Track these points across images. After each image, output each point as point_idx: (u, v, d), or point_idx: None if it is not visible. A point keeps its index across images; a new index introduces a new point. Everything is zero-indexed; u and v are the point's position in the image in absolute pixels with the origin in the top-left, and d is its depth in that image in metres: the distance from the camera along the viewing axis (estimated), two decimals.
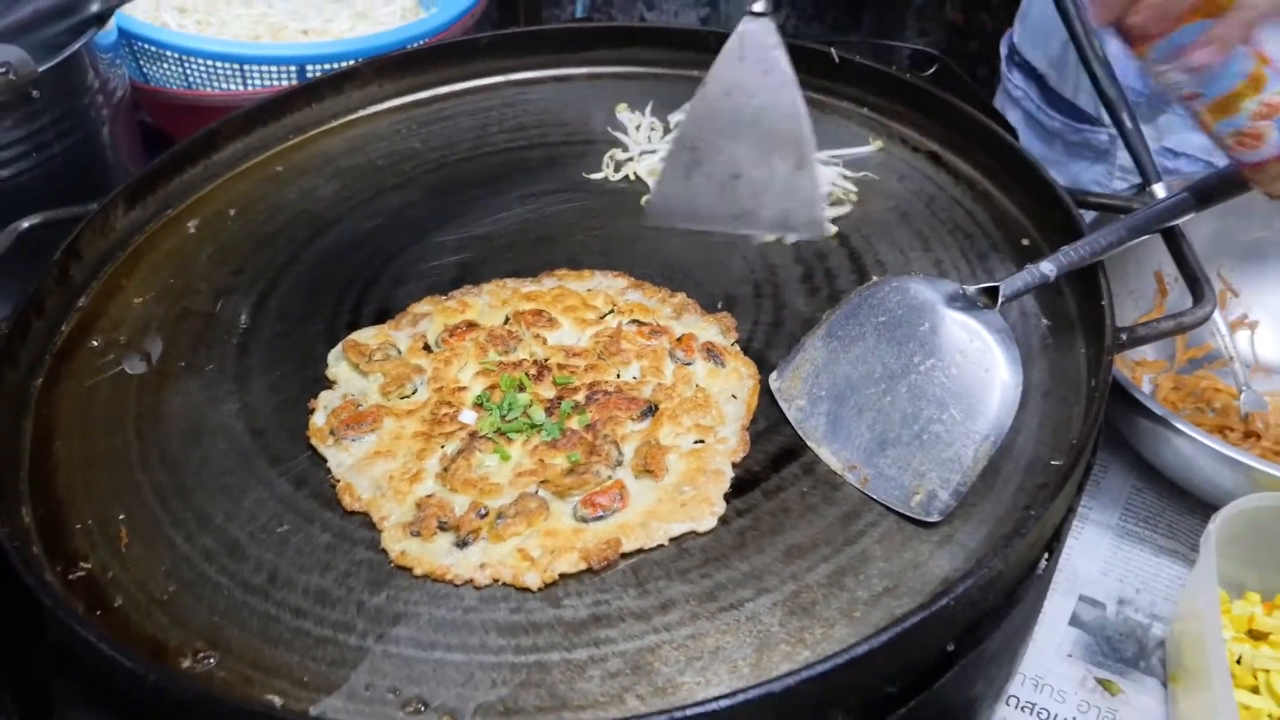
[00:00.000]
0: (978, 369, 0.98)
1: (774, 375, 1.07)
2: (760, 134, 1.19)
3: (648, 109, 1.46)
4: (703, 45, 1.53)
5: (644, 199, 1.35)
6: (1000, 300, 1.02)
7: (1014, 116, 1.86)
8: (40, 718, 0.86)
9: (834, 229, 1.29)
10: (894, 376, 1.01)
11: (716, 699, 0.73)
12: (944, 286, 1.05)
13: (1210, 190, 1.14)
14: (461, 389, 1.07)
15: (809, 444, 1.02)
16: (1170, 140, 1.66)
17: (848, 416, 1.01)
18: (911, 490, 0.95)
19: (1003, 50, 1.94)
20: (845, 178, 1.35)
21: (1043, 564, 0.92)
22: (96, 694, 0.84)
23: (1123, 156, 1.74)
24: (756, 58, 1.19)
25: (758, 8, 1.19)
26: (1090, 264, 1.06)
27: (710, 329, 1.13)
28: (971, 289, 1.03)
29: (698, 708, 0.72)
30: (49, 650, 0.89)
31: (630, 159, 1.40)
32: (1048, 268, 1.04)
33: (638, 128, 1.45)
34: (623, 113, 1.47)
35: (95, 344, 1.14)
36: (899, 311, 1.04)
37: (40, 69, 1.29)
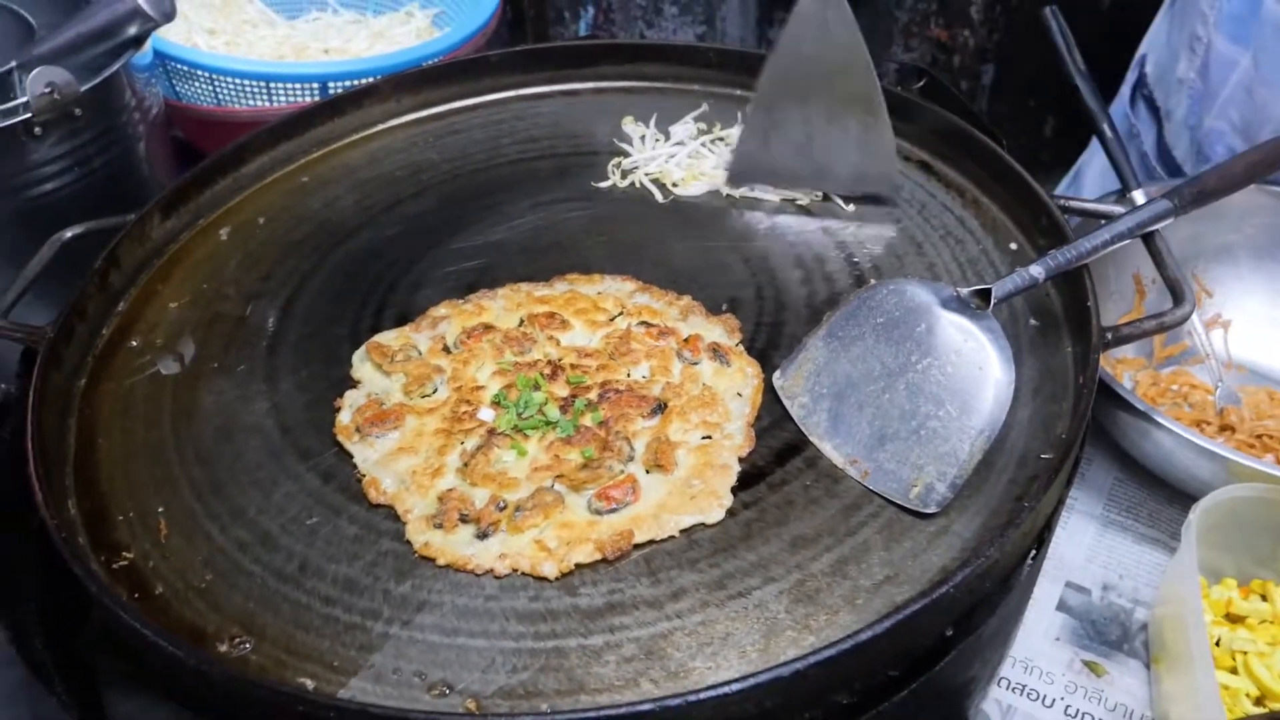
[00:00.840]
0: (972, 367, 0.98)
1: (777, 374, 1.07)
2: (832, 94, 1.21)
3: (651, 121, 1.46)
4: (702, 60, 1.53)
5: (725, 164, 1.34)
6: (992, 302, 1.01)
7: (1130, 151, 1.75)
8: (87, 698, 0.86)
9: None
10: (892, 375, 1.01)
11: (728, 683, 0.72)
12: (939, 289, 1.04)
13: (1190, 197, 1.14)
14: (479, 388, 1.06)
15: (811, 439, 1.01)
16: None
17: (848, 413, 1.01)
18: (910, 483, 0.94)
19: (1133, 73, 1.80)
20: None
21: (1034, 553, 0.91)
22: (139, 676, 0.84)
23: None
24: (823, 23, 1.21)
25: None
26: (1076, 267, 1.05)
27: (715, 330, 1.12)
28: (965, 291, 1.03)
29: (710, 691, 0.72)
30: (93, 634, 0.89)
31: (635, 167, 1.39)
32: (1037, 270, 1.04)
33: (642, 138, 1.44)
34: (628, 124, 1.47)
35: (134, 346, 1.14)
36: (896, 313, 1.04)
37: (82, 89, 1.28)
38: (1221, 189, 1.20)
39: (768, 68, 1.25)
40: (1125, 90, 1.83)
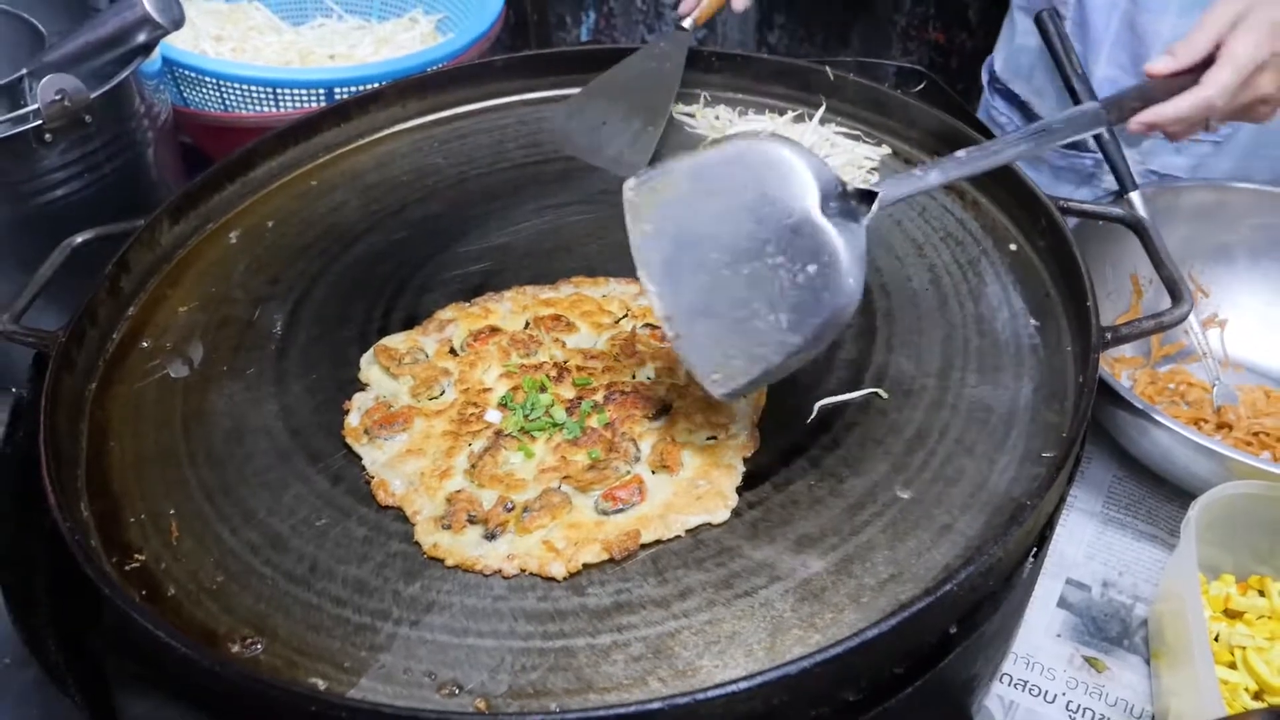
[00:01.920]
0: (818, 288, 0.90)
1: (631, 181, 0.96)
2: (636, 99, 1.44)
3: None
4: (703, 64, 1.53)
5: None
6: (875, 207, 0.92)
7: None
8: (100, 699, 0.86)
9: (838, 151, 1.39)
10: (739, 256, 0.92)
11: (735, 681, 0.72)
12: (825, 176, 0.92)
13: (1118, 106, 1.11)
14: (486, 390, 1.06)
15: (638, 272, 0.95)
16: (1154, 163, 1.65)
17: (683, 268, 0.93)
18: (714, 366, 0.92)
19: (985, 75, 1.88)
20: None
21: (1036, 550, 0.91)
22: (151, 676, 0.84)
23: (1108, 180, 1.71)
24: (663, 55, 1.48)
25: (685, 24, 1.51)
26: (986, 173, 1.03)
27: None
28: (851, 188, 0.93)
29: (718, 690, 0.72)
30: (106, 636, 0.89)
31: None
32: (935, 176, 0.96)
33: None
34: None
35: (144, 350, 1.14)
36: (772, 189, 0.92)
37: (92, 96, 1.28)
38: (1155, 98, 1.15)
39: (614, 67, 1.51)
40: (982, 107, 1.89)
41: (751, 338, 0.91)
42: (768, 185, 0.92)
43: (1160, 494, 1.32)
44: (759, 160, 0.93)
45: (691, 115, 1.49)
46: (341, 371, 1.11)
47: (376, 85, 1.51)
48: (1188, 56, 1.13)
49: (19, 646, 0.88)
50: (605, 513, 0.93)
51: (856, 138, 1.41)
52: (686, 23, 1.51)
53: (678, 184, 0.95)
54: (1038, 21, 1.57)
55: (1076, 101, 1.48)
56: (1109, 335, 1.02)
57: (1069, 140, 1.06)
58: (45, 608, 0.95)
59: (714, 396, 0.92)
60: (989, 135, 1.31)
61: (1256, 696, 1.06)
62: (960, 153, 0.98)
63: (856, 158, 1.37)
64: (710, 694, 0.72)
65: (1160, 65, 1.14)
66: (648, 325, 1.12)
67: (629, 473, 0.97)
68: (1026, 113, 1.77)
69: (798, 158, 0.92)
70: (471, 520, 0.93)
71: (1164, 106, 1.11)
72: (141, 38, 1.33)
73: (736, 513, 0.94)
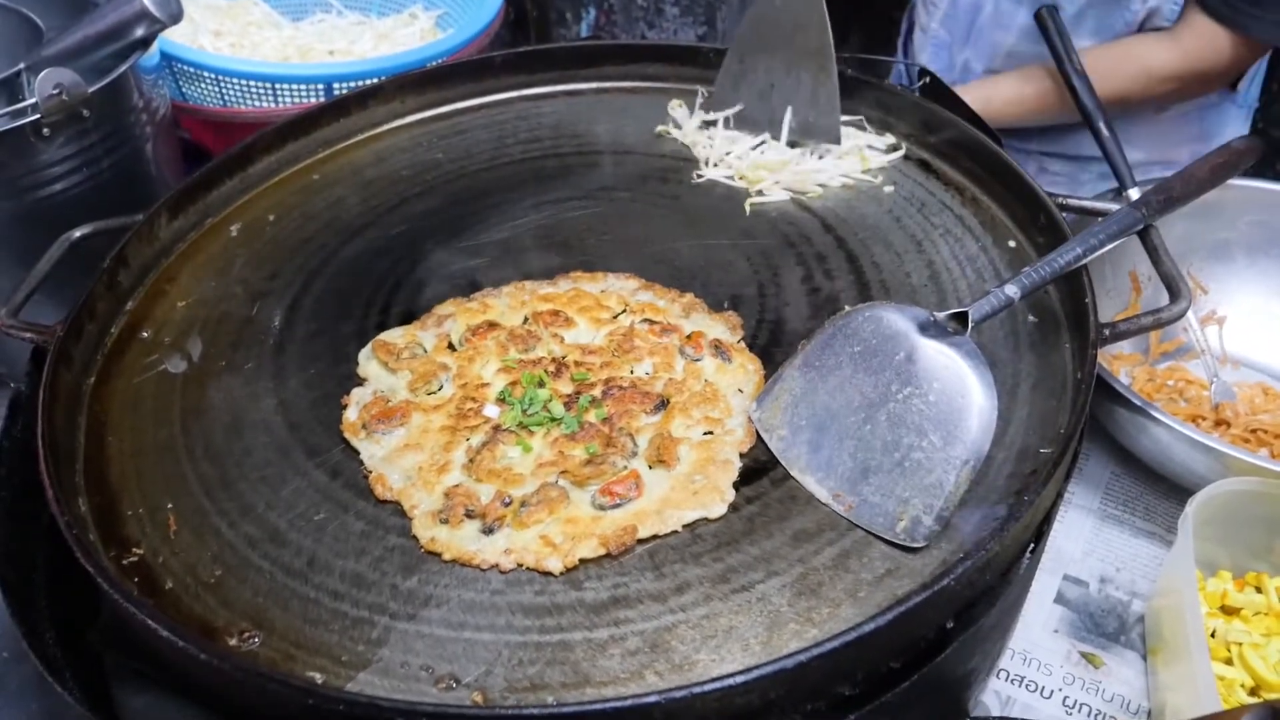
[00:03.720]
0: (954, 395, 0.94)
1: (753, 406, 1.03)
2: (791, 48, 1.35)
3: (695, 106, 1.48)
4: (703, 61, 1.53)
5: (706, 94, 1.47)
6: (970, 326, 0.98)
7: None
8: (98, 693, 0.86)
9: (844, 141, 1.38)
10: (873, 405, 0.97)
11: (732, 675, 0.72)
12: (915, 314, 1.01)
13: (1157, 206, 1.14)
14: (484, 385, 1.06)
15: (792, 473, 0.97)
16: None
17: (829, 445, 0.97)
18: (896, 517, 0.91)
19: (900, 42, 1.89)
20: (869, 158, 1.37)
21: (1033, 546, 0.91)
22: (149, 670, 0.84)
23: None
24: None
25: None
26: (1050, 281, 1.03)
27: (717, 327, 1.12)
28: (941, 315, 0.99)
29: (715, 683, 0.72)
30: (104, 630, 0.89)
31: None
32: (1012, 290, 1.00)
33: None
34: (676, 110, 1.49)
35: (142, 345, 1.14)
36: (873, 340, 1.00)
37: (90, 90, 1.28)
38: (1188, 194, 1.19)
39: (745, 20, 1.41)
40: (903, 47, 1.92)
41: (918, 473, 0.93)
42: (869, 340, 1.00)
43: (1158, 491, 1.32)
44: (853, 326, 1.02)
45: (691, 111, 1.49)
46: (340, 366, 1.11)
47: (376, 81, 1.51)
48: None
49: (17, 641, 0.88)
50: (602, 508, 0.94)
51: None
52: None
53: (792, 385, 1.02)
54: (1038, 18, 1.57)
55: (1075, 96, 1.48)
56: (1107, 331, 1.02)
57: (1115, 242, 1.09)
58: (43, 602, 0.95)
59: (911, 546, 0.90)
60: (989, 132, 1.31)
61: (1253, 693, 1.07)
62: (1028, 268, 1.02)
63: (860, 144, 1.37)
64: (707, 688, 0.72)
65: None
66: (646, 320, 1.12)
67: (626, 468, 0.97)
68: (951, 51, 1.80)
69: (884, 308, 1.01)
70: (469, 515, 0.93)
71: None
72: (139, 32, 1.34)
73: (734, 507, 0.94)
